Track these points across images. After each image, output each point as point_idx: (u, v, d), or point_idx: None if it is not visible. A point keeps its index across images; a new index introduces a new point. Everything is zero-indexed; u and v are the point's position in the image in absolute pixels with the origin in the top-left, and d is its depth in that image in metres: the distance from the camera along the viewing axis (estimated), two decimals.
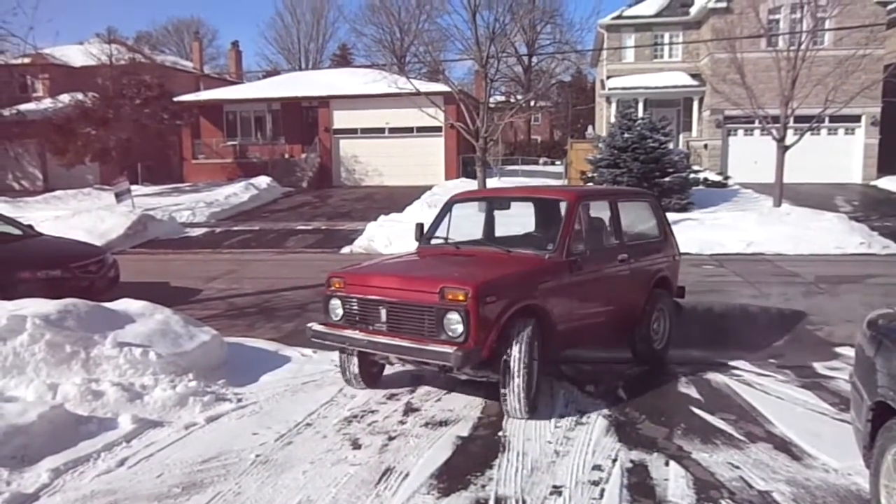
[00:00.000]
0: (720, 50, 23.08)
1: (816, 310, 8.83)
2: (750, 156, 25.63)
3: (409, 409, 5.54)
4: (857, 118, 25.43)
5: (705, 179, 22.98)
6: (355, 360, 5.96)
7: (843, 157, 25.95)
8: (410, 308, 5.26)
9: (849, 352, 6.98)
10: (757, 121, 21.29)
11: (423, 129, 27.32)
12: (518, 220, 7.32)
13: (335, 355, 6.98)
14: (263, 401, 5.75)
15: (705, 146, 27.48)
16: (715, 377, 6.31)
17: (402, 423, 5.25)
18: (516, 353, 5.13)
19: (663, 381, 6.27)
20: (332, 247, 15.58)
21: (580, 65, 49.56)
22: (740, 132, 27.24)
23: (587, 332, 6.33)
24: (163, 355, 5.84)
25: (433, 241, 6.68)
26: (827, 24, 21.50)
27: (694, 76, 28.66)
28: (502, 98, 43.85)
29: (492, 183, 20.69)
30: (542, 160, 39.56)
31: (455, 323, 5.01)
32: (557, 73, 45.36)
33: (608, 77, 29.98)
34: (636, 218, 7.28)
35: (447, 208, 6.91)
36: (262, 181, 26.21)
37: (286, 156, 30.08)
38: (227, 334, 7.27)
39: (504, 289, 5.30)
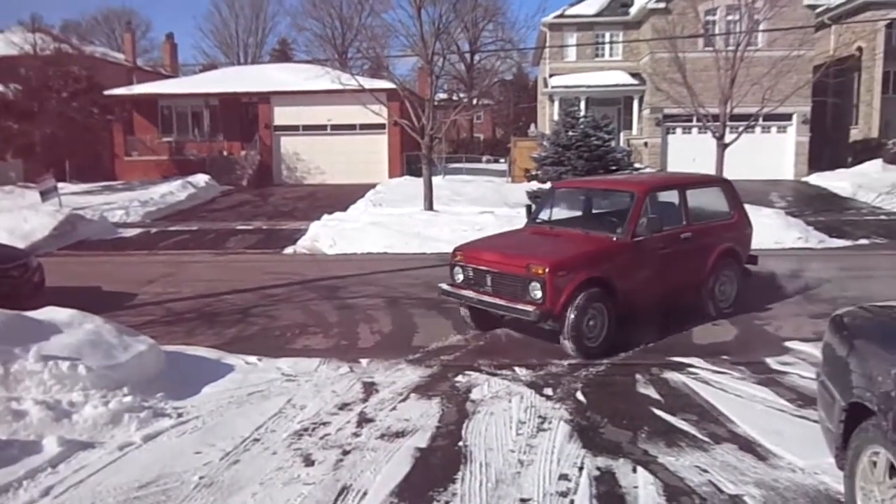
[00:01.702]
0: (661, 49, 23.41)
1: (762, 305, 8.87)
2: (688, 153, 26.07)
3: (363, 420, 5.27)
4: (788, 117, 26.16)
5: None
6: (468, 310, 7.77)
7: (776, 154, 26.68)
8: (506, 277, 7.03)
9: (799, 346, 7.06)
10: (695, 119, 21.65)
11: (366, 127, 26.91)
12: (602, 203, 8.83)
13: (282, 363, 6.76)
14: (206, 415, 5.38)
15: (645, 144, 27.88)
16: (672, 376, 6.24)
17: (356, 435, 4.97)
18: (571, 310, 6.67)
19: (622, 382, 6.16)
20: (274, 247, 15.05)
21: (522, 63, 49.93)
22: (679, 130, 27.73)
23: (652, 296, 7.51)
24: (94, 368, 5.40)
25: (538, 221, 8.46)
26: (761, 26, 21.99)
27: (634, 75, 29.04)
28: (444, 96, 43.72)
29: (437, 181, 20.44)
30: (484, 158, 39.50)
31: (536, 289, 6.70)
32: (501, 72, 45.63)
33: (551, 75, 30.12)
34: (706, 201, 8.58)
35: (550, 194, 8.90)
36: (200, 179, 25.32)
37: (225, 153, 29.18)
38: (164, 342, 6.85)
39: (574, 265, 6.91)
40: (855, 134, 29.03)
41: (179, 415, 5.34)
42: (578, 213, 8.63)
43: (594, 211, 8.68)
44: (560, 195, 8.82)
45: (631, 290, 7.18)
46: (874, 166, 25.29)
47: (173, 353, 6.58)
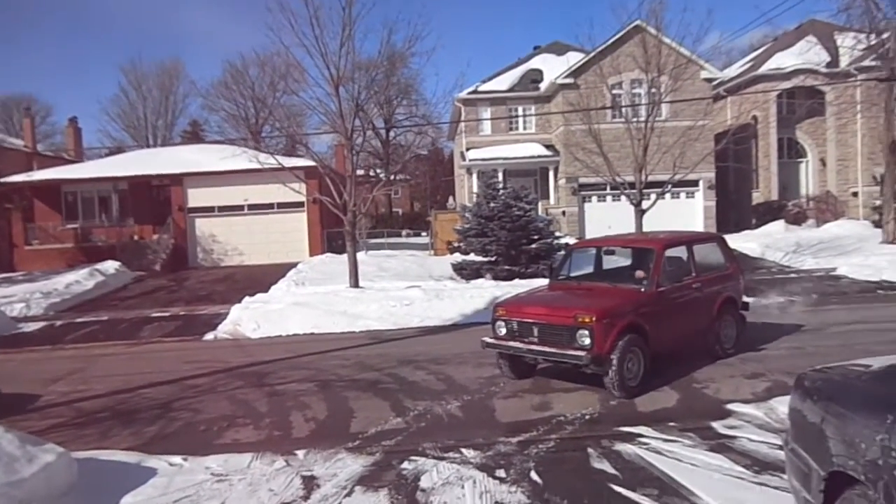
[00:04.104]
0: (575, 121, 24.29)
1: (697, 368, 8.87)
2: (605, 220, 26.87)
3: None
4: (695, 183, 27.50)
5: (566, 244, 23.67)
6: (507, 361, 8.56)
7: (687, 218, 27.82)
8: (554, 327, 7.80)
9: (741, 408, 7.04)
10: (609, 187, 22.35)
11: (284, 205, 26.53)
12: (614, 259, 9.78)
13: (210, 461, 6.21)
14: None
15: (563, 213, 28.58)
16: (625, 448, 6.05)
17: None
18: (614, 355, 7.48)
19: (575, 458, 5.91)
20: (193, 334, 14.26)
21: (437, 138, 50.98)
22: (594, 198, 28.63)
23: (673, 338, 8.51)
24: None
25: (559, 278, 9.41)
26: (664, 99, 23.25)
27: (548, 146, 30.02)
28: (362, 172, 43.91)
29: (360, 257, 20.14)
30: (405, 232, 39.61)
31: (584, 337, 7.50)
32: (418, 147, 46.39)
33: (468, 149, 30.76)
34: (707, 254, 9.59)
35: (568, 254, 9.89)
36: (110, 266, 24.08)
37: (136, 237, 28.02)
38: (75, 448, 6.20)
39: (615, 314, 7.73)
40: (757, 197, 30.75)
41: None
42: (593, 270, 9.63)
43: (611, 267, 9.65)
44: (577, 255, 9.94)
45: (659, 335, 8.09)
46: (777, 227, 26.74)
47: (86, 461, 5.92)
